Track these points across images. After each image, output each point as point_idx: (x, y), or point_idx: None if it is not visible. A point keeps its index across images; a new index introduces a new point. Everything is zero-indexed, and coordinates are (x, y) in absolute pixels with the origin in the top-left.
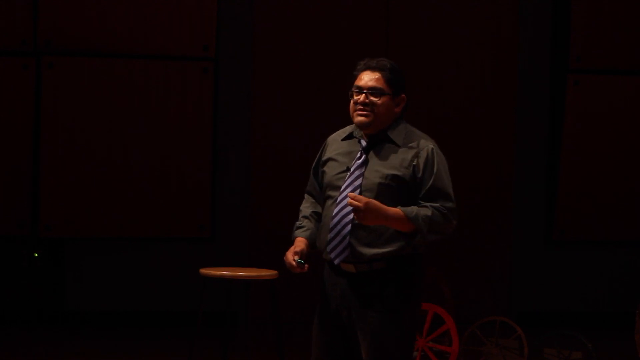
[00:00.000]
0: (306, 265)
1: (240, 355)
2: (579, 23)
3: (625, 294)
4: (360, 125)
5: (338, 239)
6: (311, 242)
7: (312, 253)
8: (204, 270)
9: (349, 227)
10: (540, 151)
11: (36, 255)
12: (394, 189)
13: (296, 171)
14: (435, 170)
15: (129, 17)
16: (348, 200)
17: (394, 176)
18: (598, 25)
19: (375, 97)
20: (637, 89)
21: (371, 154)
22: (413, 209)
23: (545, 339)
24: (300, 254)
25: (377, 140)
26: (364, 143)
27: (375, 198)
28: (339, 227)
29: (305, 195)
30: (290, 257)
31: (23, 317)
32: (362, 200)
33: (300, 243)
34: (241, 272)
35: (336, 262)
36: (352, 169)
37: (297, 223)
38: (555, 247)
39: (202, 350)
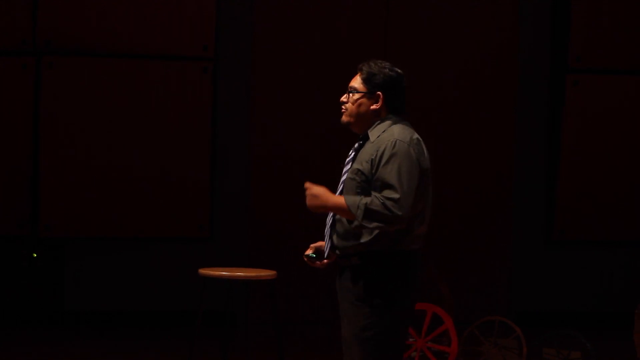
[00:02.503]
0: (319, 261)
1: (239, 355)
2: (578, 23)
3: (624, 294)
4: (343, 125)
5: (326, 231)
6: None
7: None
8: (203, 271)
9: (331, 220)
10: (540, 151)
11: (35, 255)
12: (357, 183)
13: (296, 171)
14: (387, 161)
15: (129, 17)
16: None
17: (357, 170)
18: (597, 26)
19: (351, 95)
20: (636, 89)
21: (359, 152)
22: (355, 198)
23: (545, 339)
24: (315, 249)
25: (363, 139)
26: (359, 142)
27: (345, 191)
28: (328, 220)
29: None
30: (308, 252)
31: (23, 317)
32: (308, 186)
33: (320, 241)
34: (240, 273)
35: (325, 254)
36: (345, 167)
37: None
38: (554, 247)
39: (202, 350)
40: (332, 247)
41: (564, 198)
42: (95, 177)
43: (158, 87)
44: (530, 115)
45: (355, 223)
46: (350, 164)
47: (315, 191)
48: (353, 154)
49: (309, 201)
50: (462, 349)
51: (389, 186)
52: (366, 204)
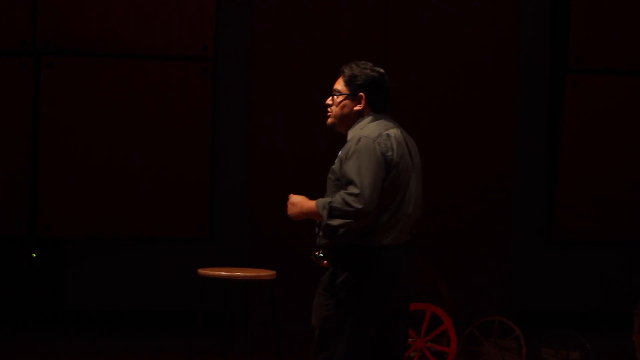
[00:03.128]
0: (325, 261)
1: (239, 355)
2: (578, 23)
3: (624, 294)
4: (328, 127)
5: (316, 232)
6: None
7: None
8: (202, 271)
9: (318, 221)
10: (539, 151)
11: (34, 255)
12: (332, 181)
13: (296, 171)
14: (349, 158)
15: (129, 17)
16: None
17: (332, 169)
18: (597, 25)
19: (335, 98)
20: (636, 89)
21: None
22: (325, 200)
23: (544, 339)
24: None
25: (345, 139)
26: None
27: (326, 190)
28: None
29: None
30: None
31: (23, 317)
32: (290, 196)
33: None
34: (240, 273)
35: (316, 253)
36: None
37: None
38: (554, 247)
39: (202, 350)
40: (318, 246)
41: (564, 198)
42: (95, 177)
43: (158, 87)
44: (530, 115)
45: (323, 223)
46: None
47: (294, 199)
48: (340, 153)
49: (288, 210)
50: (461, 349)
51: (350, 182)
52: (330, 202)
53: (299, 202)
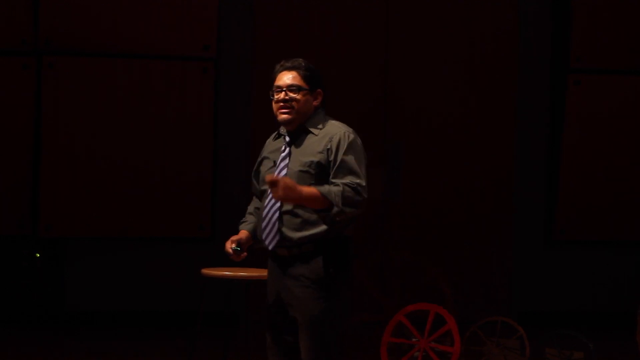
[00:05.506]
0: (243, 253)
1: (240, 355)
2: (579, 23)
3: (626, 294)
4: (284, 122)
5: (270, 226)
6: (252, 234)
7: (258, 246)
8: (205, 270)
9: (277, 214)
10: (541, 151)
11: (38, 255)
12: (312, 175)
13: None
14: (344, 149)
15: (130, 16)
16: (266, 178)
17: (311, 162)
18: (599, 25)
19: (294, 93)
20: (637, 89)
21: (293, 146)
22: (326, 187)
23: (547, 339)
24: (238, 242)
25: (298, 133)
26: (287, 138)
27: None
28: (269, 214)
29: (252, 197)
30: (228, 245)
31: (23, 317)
32: (278, 178)
33: (240, 234)
34: (242, 272)
35: (270, 247)
36: (278, 162)
37: (242, 219)
38: (555, 247)
39: (202, 350)
40: (283, 239)
41: (565, 198)
42: (95, 177)
43: (159, 87)
44: (531, 115)
45: (335, 210)
46: (288, 158)
47: (287, 182)
48: (287, 149)
49: (283, 193)
50: (464, 349)
51: (353, 172)
52: (340, 191)
53: (294, 185)
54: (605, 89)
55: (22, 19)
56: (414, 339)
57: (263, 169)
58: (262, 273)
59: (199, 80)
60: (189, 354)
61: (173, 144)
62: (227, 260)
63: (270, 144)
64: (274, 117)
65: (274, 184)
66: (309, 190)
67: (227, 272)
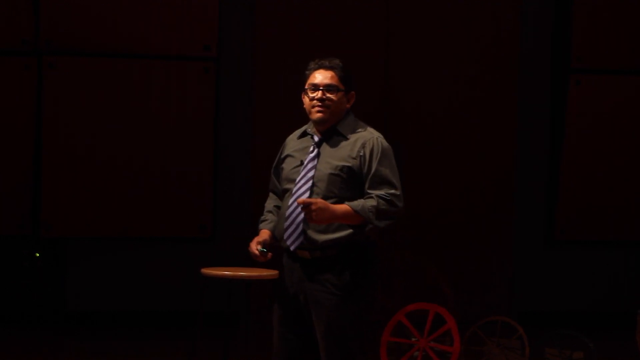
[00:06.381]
0: (269, 254)
1: (240, 355)
2: (580, 22)
3: (626, 294)
4: (318, 121)
5: (293, 227)
6: (274, 234)
7: (277, 245)
8: (205, 270)
9: (302, 215)
10: (542, 151)
11: (38, 255)
12: (343, 179)
13: None
14: (379, 159)
15: (131, 16)
16: (298, 201)
17: (343, 167)
18: (600, 25)
19: (331, 93)
20: (638, 89)
21: (323, 147)
22: (359, 202)
23: (547, 339)
24: (263, 244)
25: (328, 135)
26: (316, 138)
27: (326, 187)
28: (293, 215)
29: (269, 193)
30: (254, 246)
31: (24, 317)
32: (313, 201)
33: (263, 234)
34: (242, 272)
35: (292, 248)
36: (305, 162)
37: (262, 217)
38: (556, 247)
39: (203, 350)
40: (307, 242)
41: (566, 198)
42: (96, 177)
43: (159, 87)
44: (532, 115)
45: (369, 227)
46: (316, 160)
47: (321, 204)
48: (315, 149)
49: (317, 216)
50: (464, 349)
51: (388, 182)
52: (374, 206)
53: (327, 207)
54: (606, 89)
55: (22, 19)
56: (413, 339)
57: (286, 167)
58: (262, 273)
59: (199, 80)
60: (190, 354)
61: (174, 143)
62: (228, 260)
63: (293, 141)
64: (273, 116)
65: (306, 205)
66: (342, 208)
67: (227, 272)
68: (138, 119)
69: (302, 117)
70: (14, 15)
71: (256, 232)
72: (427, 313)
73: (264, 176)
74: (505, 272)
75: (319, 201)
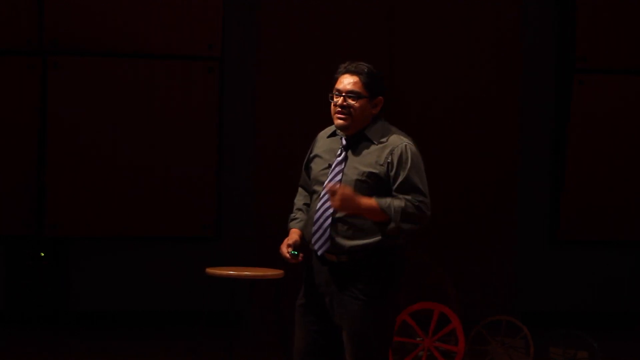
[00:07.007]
0: (300, 255)
1: (244, 354)
2: (584, 22)
3: (630, 294)
4: (339, 128)
5: (320, 231)
6: (303, 233)
7: (307, 245)
8: (210, 270)
9: (329, 220)
10: (545, 151)
11: (42, 254)
12: (370, 185)
13: (301, 170)
14: (408, 166)
15: (134, 16)
16: (327, 190)
17: (370, 173)
18: (603, 25)
19: (353, 100)
20: None
21: (350, 151)
22: (387, 200)
23: (551, 339)
24: (294, 246)
25: (356, 139)
26: (344, 141)
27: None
28: (321, 220)
29: (299, 189)
30: (285, 249)
31: (27, 316)
32: (339, 187)
33: (294, 234)
34: (247, 272)
35: (319, 253)
36: (333, 166)
37: (291, 215)
38: (560, 246)
39: (207, 349)
40: (333, 246)
41: (569, 198)
42: (101, 176)
43: (163, 87)
44: (535, 115)
45: (392, 226)
46: (344, 164)
47: (347, 191)
48: (343, 153)
49: (342, 203)
50: (469, 349)
51: (417, 189)
52: (402, 207)
53: (353, 197)
54: (609, 89)
55: (27, 19)
56: (418, 338)
57: (315, 167)
58: (266, 272)
59: (203, 79)
60: (194, 354)
61: (178, 143)
62: (233, 260)
63: (323, 140)
64: (277, 116)
65: (333, 192)
66: (368, 202)
67: (231, 272)
68: (142, 118)
69: (305, 116)
70: (18, 15)
71: (260, 231)
72: (432, 313)
73: (268, 175)
74: (507, 272)
75: (346, 189)
